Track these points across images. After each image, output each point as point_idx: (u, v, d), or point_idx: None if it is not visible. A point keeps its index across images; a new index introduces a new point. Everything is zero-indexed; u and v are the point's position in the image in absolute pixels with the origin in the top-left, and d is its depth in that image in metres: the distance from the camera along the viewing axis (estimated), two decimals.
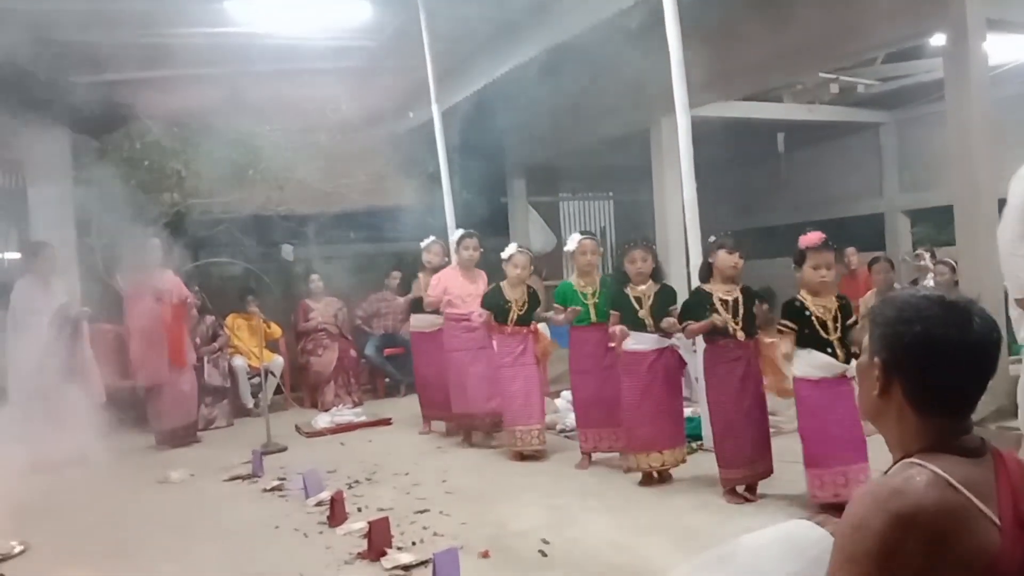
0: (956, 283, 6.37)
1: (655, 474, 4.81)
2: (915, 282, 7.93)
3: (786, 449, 4.49)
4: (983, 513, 1.24)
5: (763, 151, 11.63)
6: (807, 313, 4.08)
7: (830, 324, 4.07)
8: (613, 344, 5.15)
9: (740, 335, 4.40)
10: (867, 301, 6.93)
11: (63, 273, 6.63)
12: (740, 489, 4.47)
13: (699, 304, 4.50)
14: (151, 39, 6.98)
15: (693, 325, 4.48)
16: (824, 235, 4.12)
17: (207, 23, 6.92)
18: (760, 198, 11.93)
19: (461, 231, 6.47)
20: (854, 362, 4.06)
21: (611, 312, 4.99)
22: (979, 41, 5.58)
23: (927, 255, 8.00)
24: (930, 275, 7.45)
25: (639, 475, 4.92)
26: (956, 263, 6.64)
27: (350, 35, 7.56)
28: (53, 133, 7.21)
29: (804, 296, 4.14)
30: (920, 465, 1.30)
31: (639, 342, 4.81)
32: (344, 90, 8.48)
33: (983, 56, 5.65)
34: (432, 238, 6.91)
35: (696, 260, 5.42)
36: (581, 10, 6.56)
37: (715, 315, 4.39)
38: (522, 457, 5.61)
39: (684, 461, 4.85)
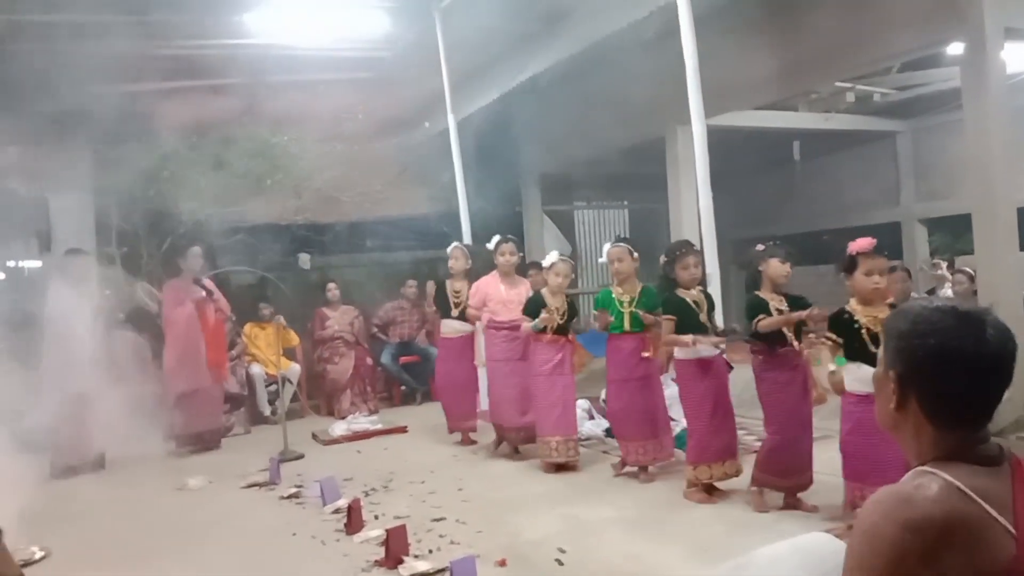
0: (975, 292, 6.33)
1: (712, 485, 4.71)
2: (932, 291, 7.88)
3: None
4: (997, 522, 1.24)
5: (779, 160, 11.61)
6: (856, 325, 3.84)
7: (881, 336, 3.87)
8: (647, 353, 5.12)
9: (796, 344, 4.31)
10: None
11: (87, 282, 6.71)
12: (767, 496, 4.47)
13: (762, 308, 4.37)
14: (171, 50, 7.07)
15: (769, 319, 4.28)
16: (875, 240, 3.88)
17: (226, 35, 7.00)
18: (776, 207, 11.89)
19: (498, 236, 6.25)
20: None
21: (666, 318, 4.78)
22: (997, 50, 5.56)
23: (944, 264, 7.96)
24: (948, 284, 7.41)
25: (652, 483, 4.94)
26: (974, 272, 6.60)
27: (367, 46, 7.63)
28: (74, 143, 7.29)
29: (853, 307, 3.89)
30: (932, 473, 1.31)
31: (705, 350, 4.67)
32: (361, 100, 8.55)
33: (1001, 65, 5.63)
34: (454, 244, 6.84)
35: (712, 268, 5.42)
36: (596, 20, 6.59)
37: (809, 311, 4.21)
38: (556, 468, 5.50)
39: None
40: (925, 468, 1.33)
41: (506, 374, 5.97)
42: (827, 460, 4.34)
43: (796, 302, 4.40)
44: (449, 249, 6.80)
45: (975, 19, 5.53)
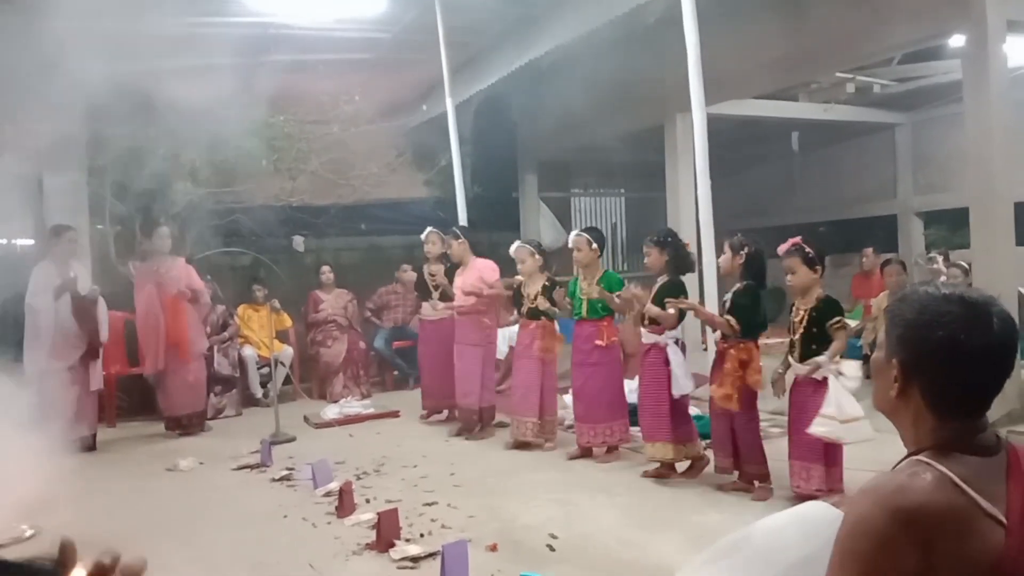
0: (969, 286, 6.33)
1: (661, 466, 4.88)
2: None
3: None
4: (987, 513, 1.24)
5: (777, 150, 11.58)
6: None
7: (795, 325, 4.24)
8: (600, 342, 5.32)
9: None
10: (880, 303, 6.91)
11: (78, 260, 6.65)
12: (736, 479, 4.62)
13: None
14: (167, 28, 6.98)
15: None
16: (794, 241, 4.26)
17: (223, 12, 6.92)
18: (773, 197, 11.88)
19: (429, 228, 6.89)
20: (845, 362, 4.11)
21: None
22: (999, 43, 5.54)
23: (940, 258, 7.95)
24: (943, 278, 7.40)
25: (645, 469, 4.98)
26: (969, 266, 6.60)
27: (365, 26, 7.55)
28: (68, 121, 7.22)
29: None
30: (926, 463, 1.30)
31: (647, 336, 4.94)
32: (358, 82, 8.47)
33: (1003, 58, 5.61)
34: (429, 229, 7.03)
35: (710, 257, 5.42)
36: (598, 5, 6.54)
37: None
38: (518, 446, 5.77)
39: (683, 459, 4.87)
40: (920, 458, 1.32)
41: (457, 356, 6.29)
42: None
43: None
44: (424, 234, 7.00)
45: (978, 11, 5.50)
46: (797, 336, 4.22)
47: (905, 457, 1.38)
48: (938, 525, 1.23)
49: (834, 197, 11.11)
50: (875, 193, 10.88)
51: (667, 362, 4.83)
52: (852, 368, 4.03)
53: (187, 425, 6.79)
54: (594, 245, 5.39)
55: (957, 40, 6.52)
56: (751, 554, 1.58)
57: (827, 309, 4.16)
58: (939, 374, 1.34)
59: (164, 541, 4.11)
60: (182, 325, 6.75)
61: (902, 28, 6.08)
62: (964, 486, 1.25)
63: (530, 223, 11.09)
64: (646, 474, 4.91)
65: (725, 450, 4.57)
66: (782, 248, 4.28)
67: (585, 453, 5.44)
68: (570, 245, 5.47)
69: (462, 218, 7.61)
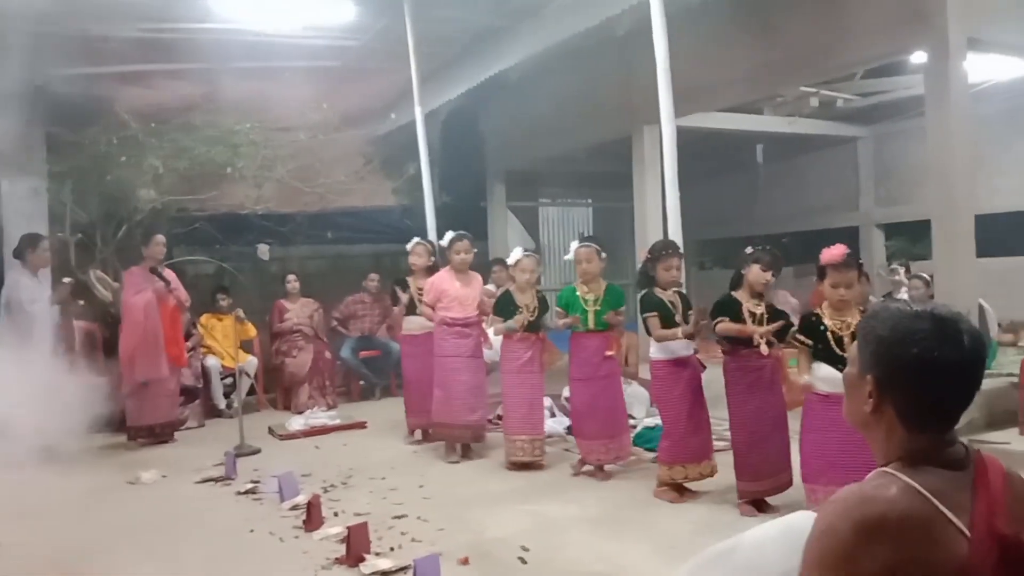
0: (931, 297, 6.44)
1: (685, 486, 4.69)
2: (888, 296, 8.00)
3: None
4: (952, 524, 1.26)
5: (742, 162, 11.73)
6: (823, 328, 3.92)
7: (846, 340, 3.86)
8: (610, 352, 5.16)
9: (764, 348, 4.27)
10: None
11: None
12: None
13: (732, 309, 4.41)
14: (131, 32, 6.89)
15: (728, 323, 4.36)
16: (847, 250, 3.92)
17: (189, 18, 6.84)
18: (737, 209, 12.00)
19: (451, 233, 6.14)
20: None
21: (649, 316, 4.71)
22: (960, 60, 5.67)
23: (901, 269, 8.08)
24: (904, 289, 7.52)
25: (614, 482, 4.92)
26: (931, 277, 6.72)
27: (333, 34, 7.52)
28: (28, 126, 7.07)
29: (823, 310, 3.98)
30: (892, 475, 1.32)
31: (681, 349, 4.69)
32: (325, 89, 8.41)
33: (963, 74, 5.73)
34: (416, 240, 6.71)
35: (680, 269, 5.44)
36: (568, 17, 6.58)
37: (755, 326, 4.30)
38: (521, 467, 5.46)
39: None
40: (886, 469, 1.35)
41: (455, 370, 5.86)
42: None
43: (776, 313, 4.41)
44: (410, 245, 6.66)
45: (940, 29, 5.62)
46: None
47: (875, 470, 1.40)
48: (901, 535, 1.24)
49: (797, 208, 11.26)
50: (838, 205, 11.04)
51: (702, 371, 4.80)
52: None
53: (160, 434, 6.68)
54: (603, 255, 5.26)
55: (918, 56, 6.66)
56: (736, 566, 1.58)
57: None
58: (913, 390, 1.36)
59: (126, 556, 4.01)
60: (179, 333, 6.72)
61: (867, 44, 6.19)
62: (929, 496, 1.27)
63: (498, 232, 11.10)
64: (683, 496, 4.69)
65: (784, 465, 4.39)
66: (834, 257, 3.89)
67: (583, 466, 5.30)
68: (575, 258, 5.26)
69: (430, 227, 7.56)
